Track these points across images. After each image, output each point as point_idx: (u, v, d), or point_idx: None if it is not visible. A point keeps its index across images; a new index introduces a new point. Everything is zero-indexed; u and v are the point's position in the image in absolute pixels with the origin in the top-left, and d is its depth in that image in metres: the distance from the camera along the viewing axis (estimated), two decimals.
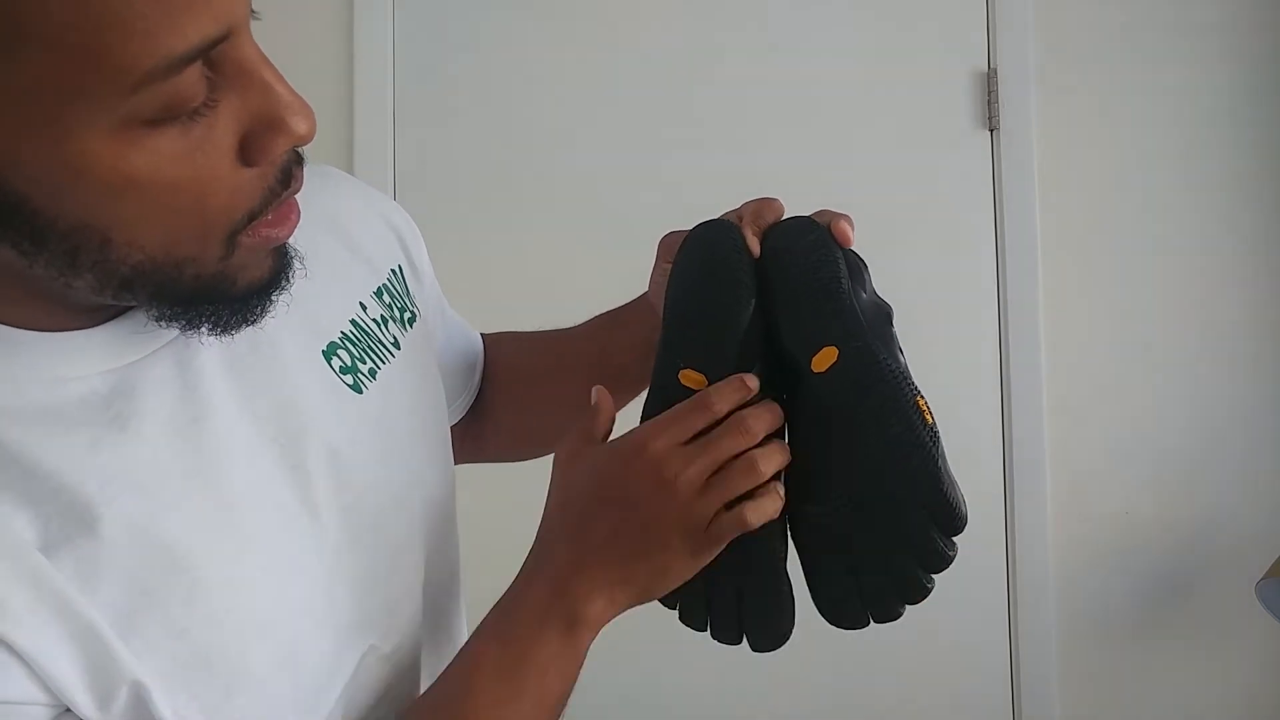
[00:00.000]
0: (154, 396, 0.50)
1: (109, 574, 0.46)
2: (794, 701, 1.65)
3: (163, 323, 0.48)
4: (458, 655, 0.59)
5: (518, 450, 0.91)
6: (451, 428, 0.78)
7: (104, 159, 0.40)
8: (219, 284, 0.47)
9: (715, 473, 0.58)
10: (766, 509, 0.59)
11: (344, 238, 0.64)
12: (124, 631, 0.46)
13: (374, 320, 0.64)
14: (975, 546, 1.65)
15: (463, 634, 0.72)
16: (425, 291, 0.74)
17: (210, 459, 0.51)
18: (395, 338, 0.65)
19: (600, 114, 1.71)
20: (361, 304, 0.64)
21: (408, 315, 0.68)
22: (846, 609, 0.61)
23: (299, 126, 0.44)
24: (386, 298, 0.66)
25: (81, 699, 0.45)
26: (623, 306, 0.80)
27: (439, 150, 1.71)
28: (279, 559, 0.53)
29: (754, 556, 0.61)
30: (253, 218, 0.46)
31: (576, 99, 1.71)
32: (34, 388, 0.46)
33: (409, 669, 0.63)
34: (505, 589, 0.61)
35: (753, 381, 0.60)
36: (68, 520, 0.45)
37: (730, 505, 0.58)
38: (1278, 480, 1.69)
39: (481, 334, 0.87)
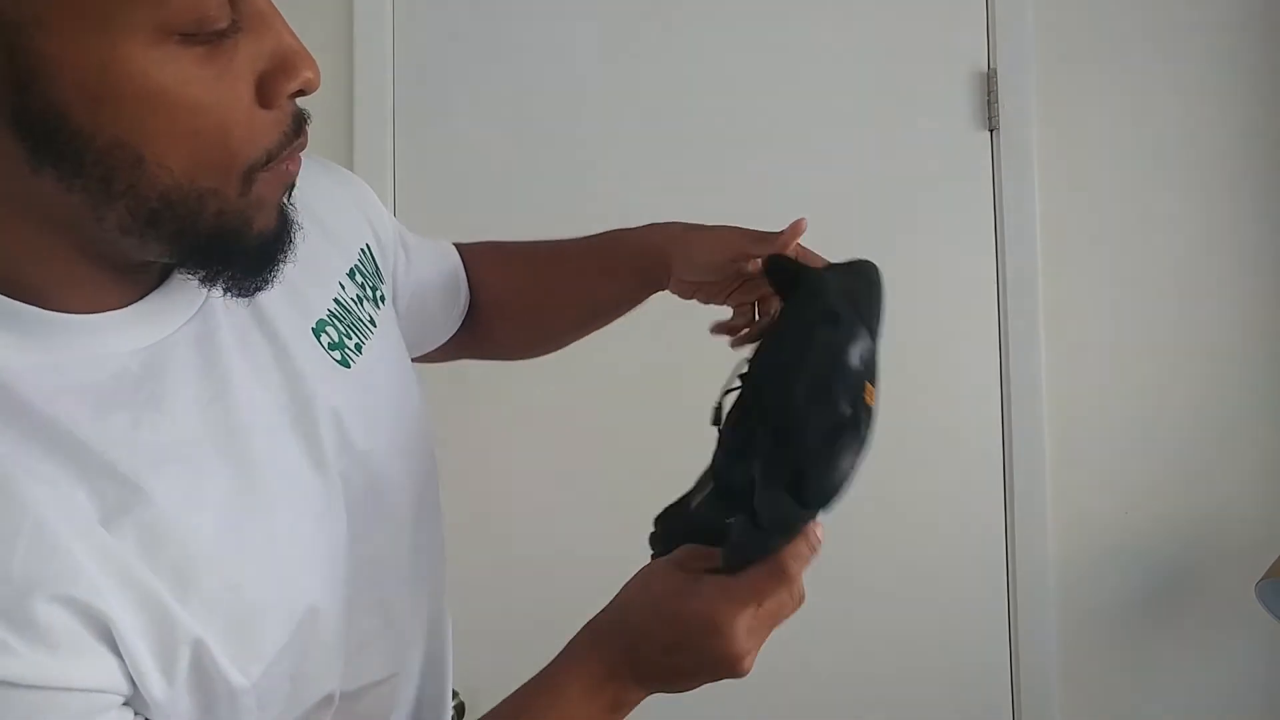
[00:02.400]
0: (180, 375, 0.53)
1: (168, 538, 0.49)
2: (792, 700, 1.65)
3: (185, 271, 0.52)
4: (505, 706, 0.63)
5: (520, 355, 1.00)
6: (451, 339, 0.89)
7: (140, 67, 0.44)
8: (238, 226, 0.50)
9: None
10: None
11: (317, 220, 0.67)
12: (184, 592, 0.49)
13: (351, 299, 0.68)
14: (975, 546, 1.67)
15: (441, 597, 0.76)
16: (385, 243, 0.78)
17: (235, 430, 0.55)
18: (371, 316, 0.69)
19: (599, 114, 1.71)
20: (340, 284, 0.67)
21: (379, 294, 0.72)
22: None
23: (307, 71, 0.49)
24: (359, 278, 0.70)
25: (148, 668, 0.47)
26: (614, 253, 0.86)
27: (439, 150, 1.71)
28: (304, 515, 0.57)
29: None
30: (270, 159, 0.50)
31: (576, 99, 1.71)
32: (74, 369, 0.49)
33: (395, 627, 0.67)
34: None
35: (821, 531, 0.63)
36: (123, 491, 0.48)
37: None
38: (1278, 481, 1.69)
39: (456, 245, 0.93)
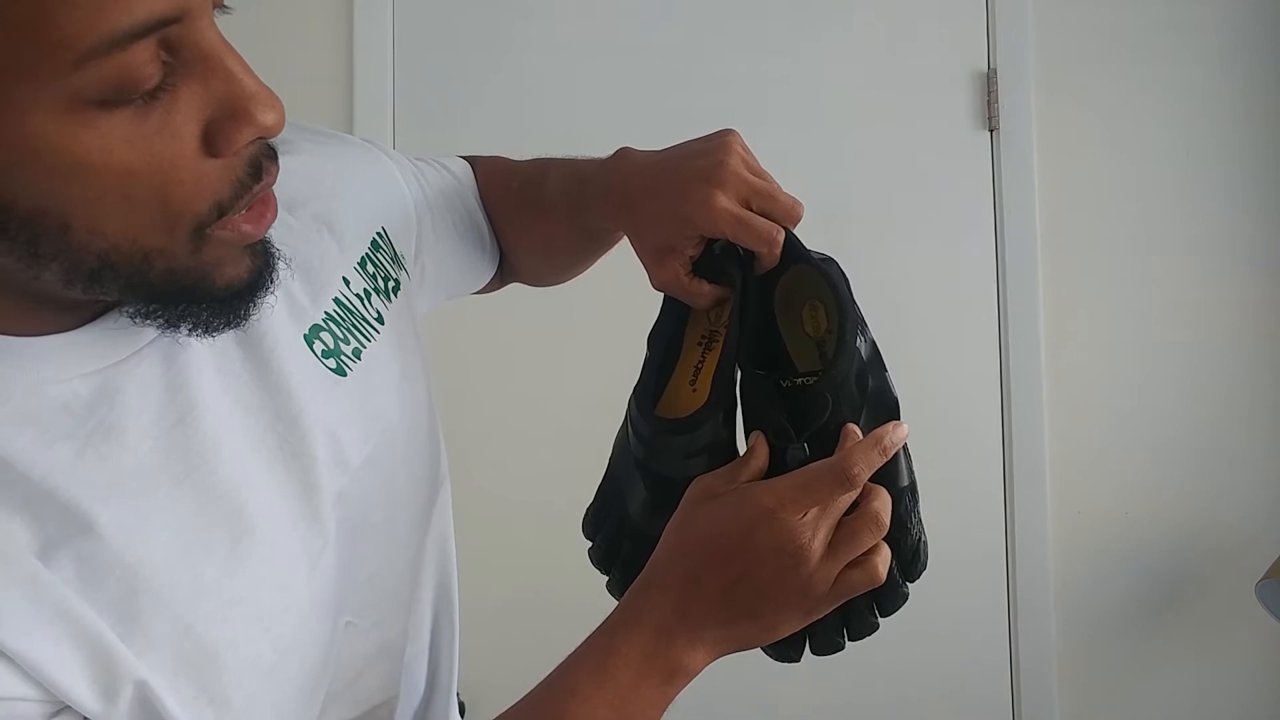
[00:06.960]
0: (138, 399, 0.49)
1: (110, 572, 0.46)
2: (792, 700, 1.65)
3: (139, 320, 0.47)
4: (548, 690, 0.57)
5: (545, 284, 0.92)
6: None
7: (53, 140, 0.39)
8: (197, 281, 0.46)
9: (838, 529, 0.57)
10: (888, 555, 0.58)
11: (316, 215, 0.62)
12: (128, 629, 0.46)
13: (357, 295, 0.62)
14: (975, 547, 1.67)
15: (454, 617, 0.71)
16: (407, 219, 0.71)
17: (200, 458, 0.50)
18: (379, 312, 0.64)
19: (599, 114, 1.71)
20: (345, 279, 0.62)
21: (391, 284, 0.66)
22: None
23: (265, 117, 0.43)
24: (370, 268, 0.64)
25: (85, 696, 0.45)
26: (587, 224, 0.75)
27: (439, 150, 1.70)
28: (284, 547, 0.53)
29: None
30: (222, 211, 0.45)
31: (576, 99, 1.71)
32: (16, 394, 0.46)
33: (393, 650, 0.64)
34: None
35: (901, 433, 0.59)
36: (65, 522, 0.45)
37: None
38: (1277, 480, 1.69)
39: (468, 160, 0.86)
